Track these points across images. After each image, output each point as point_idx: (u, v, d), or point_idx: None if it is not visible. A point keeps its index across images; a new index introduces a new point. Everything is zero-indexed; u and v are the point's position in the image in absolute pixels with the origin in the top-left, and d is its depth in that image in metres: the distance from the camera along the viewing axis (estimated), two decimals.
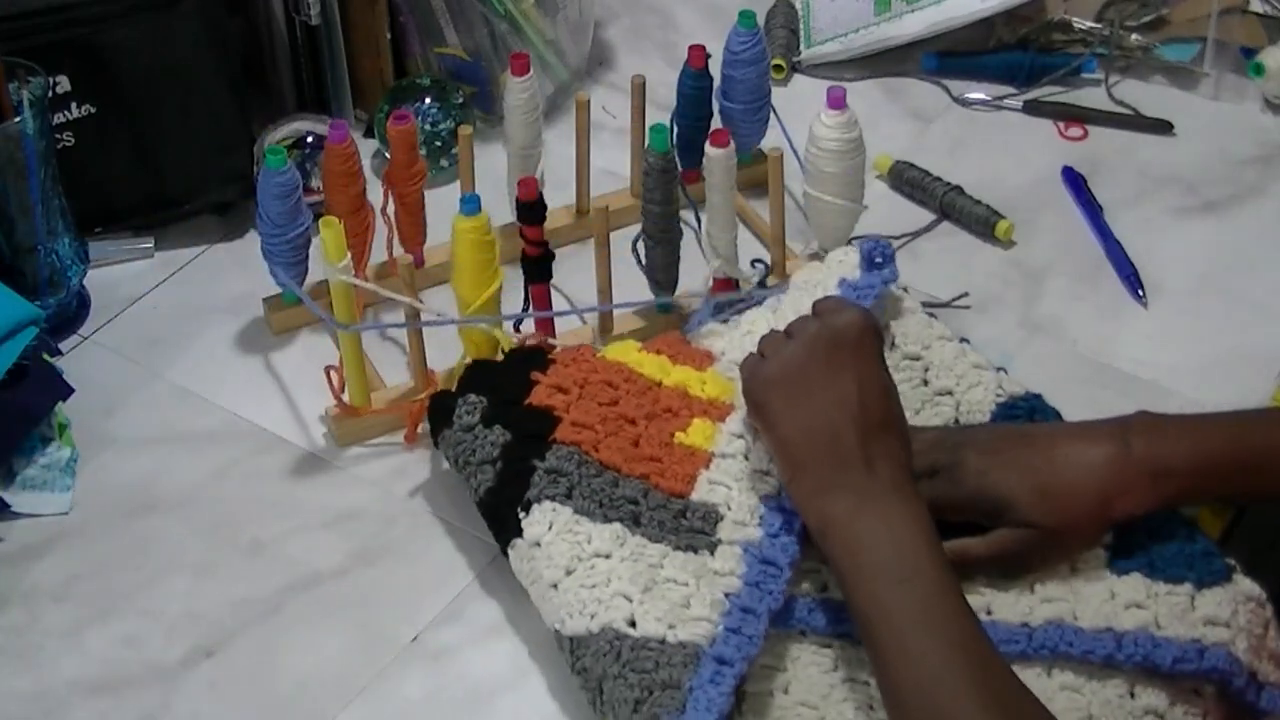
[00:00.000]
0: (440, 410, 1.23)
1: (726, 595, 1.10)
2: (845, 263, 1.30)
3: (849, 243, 1.34)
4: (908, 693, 0.98)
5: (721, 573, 1.12)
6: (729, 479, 1.18)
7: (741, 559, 1.13)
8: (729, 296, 1.33)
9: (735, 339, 1.29)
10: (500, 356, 1.27)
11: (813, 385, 1.10)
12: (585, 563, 1.12)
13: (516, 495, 1.16)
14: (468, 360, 1.29)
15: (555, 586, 1.11)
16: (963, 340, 1.28)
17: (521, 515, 1.15)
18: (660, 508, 1.16)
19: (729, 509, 1.16)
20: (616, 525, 1.14)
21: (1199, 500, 1.16)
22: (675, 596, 1.10)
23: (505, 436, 1.19)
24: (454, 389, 1.24)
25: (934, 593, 1.01)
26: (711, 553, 1.14)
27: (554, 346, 1.27)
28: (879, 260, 1.29)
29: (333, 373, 1.28)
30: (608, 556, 1.12)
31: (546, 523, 1.14)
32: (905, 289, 1.33)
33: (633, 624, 1.09)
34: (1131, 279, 1.42)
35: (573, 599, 1.10)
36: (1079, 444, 1.11)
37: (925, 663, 0.98)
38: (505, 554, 1.16)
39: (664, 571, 1.12)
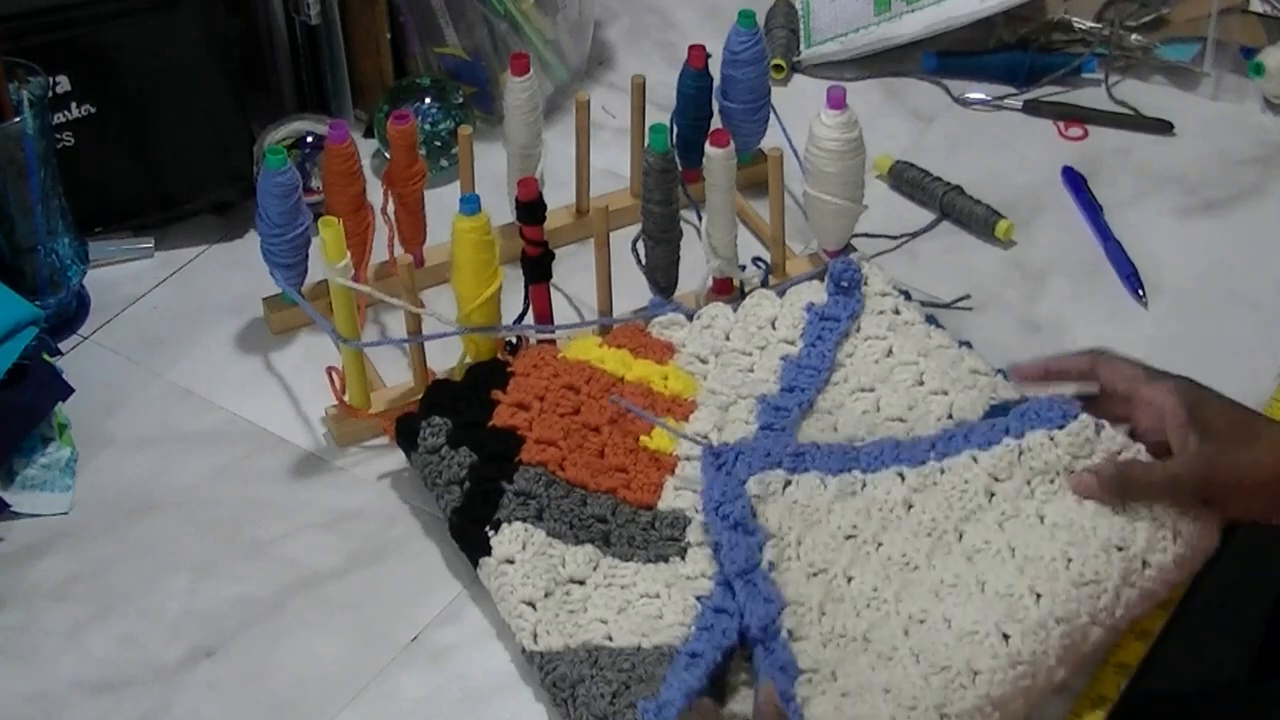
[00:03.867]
0: (406, 432, 1.23)
1: (698, 599, 1.12)
2: (811, 288, 1.32)
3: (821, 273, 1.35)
4: None
5: (692, 576, 1.14)
6: (695, 482, 1.19)
7: (712, 559, 1.14)
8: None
9: (695, 330, 1.30)
10: (502, 355, 1.28)
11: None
12: (561, 587, 1.13)
13: (485, 515, 1.17)
14: (468, 360, 1.29)
15: (532, 605, 1.12)
16: (963, 344, 1.29)
17: (490, 533, 1.16)
18: (629, 522, 1.18)
19: (696, 511, 1.17)
20: (588, 547, 1.16)
21: None
22: (649, 610, 1.12)
23: (471, 458, 1.20)
24: (417, 410, 1.24)
25: None
26: (682, 558, 1.15)
27: (510, 360, 1.27)
28: (846, 284, 1.30)
29: (334, 373, 1.28)
30: (582, 583, 1.14)
31: (519, 543, 1.15)
32: (906, 294, 1.33)
33: (609, 639, 1.11)
34: (1131, 279, 1.42)
35: (550, 618, 1.11)
36: None
37: None
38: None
39: (637, 589, 1.14)
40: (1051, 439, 1.16)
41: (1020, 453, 1.17)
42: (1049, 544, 1.11)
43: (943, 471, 1.17)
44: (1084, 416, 1.17)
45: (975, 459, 1.17)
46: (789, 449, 1.19)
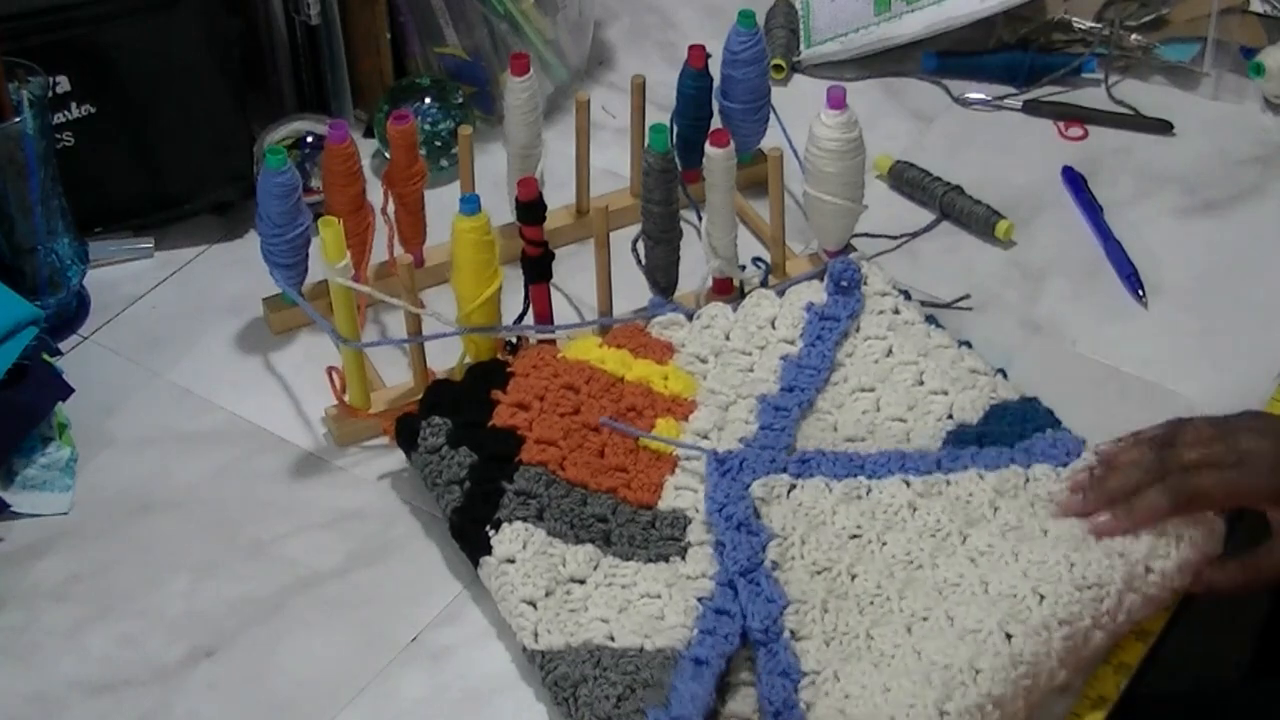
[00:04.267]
0: (406, 432, 1.23)
1: (699, 600, 1.11)
2: (811, 288, 1.32)
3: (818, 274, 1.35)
4: None
5: (693, 576, 1.14)
6: (695, 481, 1.19)
7: (713, 559, 1.14)
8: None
9: (695, 330, 1.30)
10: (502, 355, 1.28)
11: None
12: (562, 586, 1.13)
13: (485, 515, 1.17)
14: (468, 360, 1.29)
15: (533, 604, 1.12)
16: (963, 344, 1.29)
17: (491, 533, 1.16)
18: (629, 521, 1.17)
19: (697, 511, 1.17)
20: (589, 546, 1.16)
21: None
22: (650, 610, 1.12)
23: (472, 458, 1.20)
24: (417, 411, 1.24)
25: None
26: (682, 558, 1.15)
27: (510, 360, 1.27)
28: (845, 284, 1.30)
29: (334, 373, 1.28)
30: (582, 582, 1.14)
31: (520, 542, 1.15)
32: (905, 294, 1.33)
33: (611, 638, 1.10)
34: (1131, 279, 1.42)
35: (551, 617, 1.11)
36: None
37: None
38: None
39: (638, 589, 1.14)
40: (1056, 474, 1.17)
41: (1026, 480, 1.17)
42: (1052, 550, 1.12)
43: (949, 483, 1.18)
44: (1087, 455, 1.17)
45: (981, 476, 1.18)
46: (794, 455, 1.19)
